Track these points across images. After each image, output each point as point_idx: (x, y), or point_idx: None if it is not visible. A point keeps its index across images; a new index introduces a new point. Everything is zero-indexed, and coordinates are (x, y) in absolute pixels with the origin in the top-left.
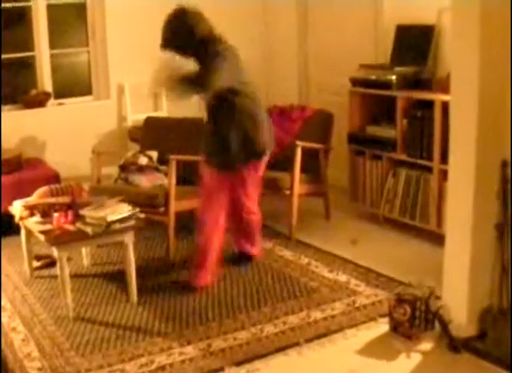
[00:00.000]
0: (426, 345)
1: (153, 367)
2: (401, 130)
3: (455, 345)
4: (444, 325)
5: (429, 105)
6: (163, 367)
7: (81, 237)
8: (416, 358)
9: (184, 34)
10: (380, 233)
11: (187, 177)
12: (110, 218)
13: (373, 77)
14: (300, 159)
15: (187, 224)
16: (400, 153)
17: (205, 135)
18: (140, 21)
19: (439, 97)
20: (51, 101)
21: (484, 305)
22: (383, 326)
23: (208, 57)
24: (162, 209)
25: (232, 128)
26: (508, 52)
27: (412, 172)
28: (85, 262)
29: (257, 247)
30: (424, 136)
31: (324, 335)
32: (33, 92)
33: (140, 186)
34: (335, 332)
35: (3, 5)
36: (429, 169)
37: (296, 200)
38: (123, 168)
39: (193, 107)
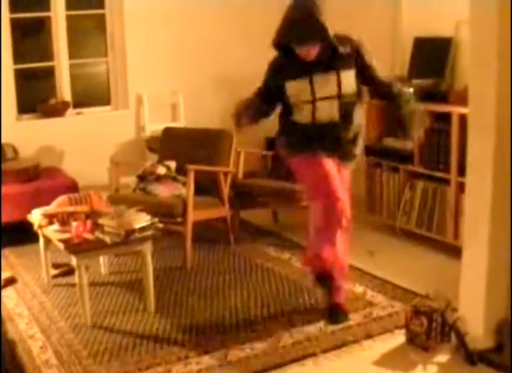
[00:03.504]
0: (443, 357)
1: None
2: (419, 142)
3: (471, 357)
4: (461, 338)
5: (446, 117)
6: None
7: (99, 246)
8: (432, 370)
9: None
10: (396, 245)
11: (205, 187)
12: (129, 228)
13: None
14: None
15: (205, 233)
16: (417, 165)
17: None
18: (159, 32)
19: (456, 110)
20: (70, 110)
21: (501, 318)
22: (399, 338)
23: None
24: (180, 219)
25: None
26: None
27: (429, 185)
28: (103, 270)
29: None
30: (441, 148)
31: (341, 346)
32: (52, 101)
33: (158, 195)
34: (352, 343)
35: (23, 14)
36: (447, 182)
37: None
38: (141, 178)
39: (211, 118)
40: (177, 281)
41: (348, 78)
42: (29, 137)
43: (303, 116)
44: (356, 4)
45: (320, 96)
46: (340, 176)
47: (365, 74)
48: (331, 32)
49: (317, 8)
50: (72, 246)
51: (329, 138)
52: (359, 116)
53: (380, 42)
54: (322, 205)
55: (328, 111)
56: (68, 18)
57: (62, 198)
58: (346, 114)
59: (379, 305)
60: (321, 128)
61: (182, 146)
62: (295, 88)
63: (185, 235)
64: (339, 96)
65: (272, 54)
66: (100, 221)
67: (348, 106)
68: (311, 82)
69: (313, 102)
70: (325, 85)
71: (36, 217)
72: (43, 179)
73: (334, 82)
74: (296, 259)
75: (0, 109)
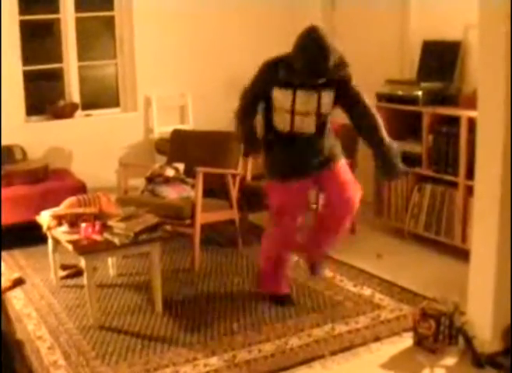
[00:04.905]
0: (450, 360)
1: None
2: (427, 145)
3: (479, 360)
4: (468, 341)
5: (455, 121)
6: None
7: (108, 247)
8: None
9: (332, 58)
10: (404, 248)
11: (214, 190)
12: (138, 229)
13: (399, 92)
14: None
15: (213, 236)
16: (425, 168)
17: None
18: (168, 34)
19: (465, 113)
20: (79, 112)
21: (508, 321)
22: (407, 341)
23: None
24: (188, 221)
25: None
26: None
27: (437, 188)
28: (111, 272)
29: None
30: (449, 152)
31: (349, 348)
32: (61, 103)
33: (167, 197)
34: (359, 345)
35: (33, 16)
36: (455, 185)
37: None
38: (150, 179)
39: (219, 120)
40: (184, 283)
41: (328, 98)
42: (38, 138)
43: (283, 122)
44: (365, 8)
45: (300, 111)
46: (332, 177)
47: (348, 106)
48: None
49: (331, 43)
50: (81, 248)
51: (305, 148)
52: (330, 130)
53: (388, 45)
54: (277, 234)
55: (305, 125)
56: (78, 20)
57: (71, 199)
58: (320, 130)
59: (387, 307)
60: (297, 138)
61: (191, 148)
62: (280, 95)
63: (193, 237)
64: (317, 114)
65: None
66: (109, 222)
67: (323, 123)
68: (294, 95)
69: (292, 114)
70: (306, 102)
71: (45, 218)
72: (51, 180)
73: (315, 101)
74: (304, 262)
75: (0, 110)
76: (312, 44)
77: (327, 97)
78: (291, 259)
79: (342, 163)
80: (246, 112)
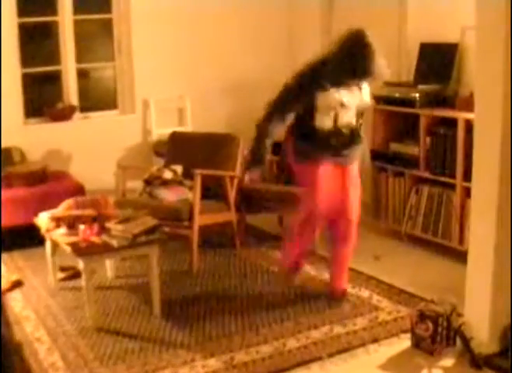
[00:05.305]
0: (448, 361)
1: None
2: (424, 147)
3: (477, 362)
4: (466, 342)
5: (452, 123)
6: None
7: (106, 249)
8: None
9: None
10: (402, 250)
11: (212, 192)
12: (136, 231)
13: (397, 94)
14: None
15: (211, 238)
16: (423, 170)
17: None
18: (165, 36)
19: (462, 115)
20: (77, 114)
21: (506, 322)
22: (405, 342)
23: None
24: (186, 223)
25: None
26: None
27: (434, 190)
28: (110, 274)
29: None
30: (447, 153)
31: (347, 350)
32: (59, 105)
33: (165, 200)
34: (357, 347)
35: (31, 19)
36: (452, 187)
37: None
38: (148, 182)
39: (217, 123)
40: (182, 285)
41: (366, 89)
42: (37, 140)
43: (326, 120)
44: (362, 10)
45: (345, 105)
46: (348, 175)
47: None
48: None
49: (372, 42)
50: (79, 250)
51: (344, 142)
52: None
53: (386, 48)
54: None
55: (349, 118)
56: (76, 22)
57: (69, 201)
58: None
59: (384, 309)
60: (339, 133)
61: (189, 150)
62: (326, 97)
63: (191, 239)
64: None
65: (279, 61)
66: (108, 224)
67: (361, 113)
68: (340, 94)
69: (338, 110)
70: (351, 94)
71: (43, 220)
72: (50, 182)
73: (358, 94)
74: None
75: (0, 113)
76: (361, 47)
77: (365, 87)
78: (310, 245)
79: (355, 168)
80: (273, 126)
